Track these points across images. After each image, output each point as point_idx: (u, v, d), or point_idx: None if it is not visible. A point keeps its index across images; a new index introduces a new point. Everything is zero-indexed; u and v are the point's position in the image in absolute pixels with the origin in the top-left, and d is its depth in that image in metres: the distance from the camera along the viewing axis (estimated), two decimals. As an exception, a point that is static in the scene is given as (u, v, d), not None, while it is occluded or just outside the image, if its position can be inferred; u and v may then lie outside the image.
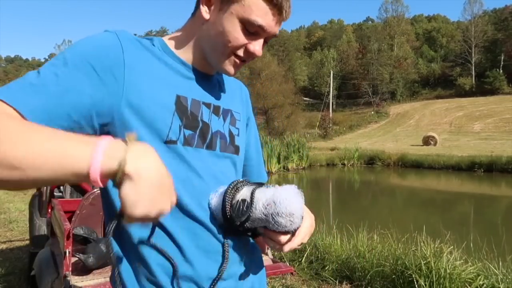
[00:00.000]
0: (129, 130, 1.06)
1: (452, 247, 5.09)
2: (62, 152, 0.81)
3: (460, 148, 36.68)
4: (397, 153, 31.68)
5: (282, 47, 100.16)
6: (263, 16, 1.13)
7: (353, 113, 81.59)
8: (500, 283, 4.46)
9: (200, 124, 1.20)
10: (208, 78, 1.29)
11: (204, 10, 1.18)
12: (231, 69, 1.22)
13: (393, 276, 5.00)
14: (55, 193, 4.78)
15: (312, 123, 65.83)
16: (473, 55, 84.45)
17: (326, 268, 5.77)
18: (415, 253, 5.14)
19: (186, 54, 1.24)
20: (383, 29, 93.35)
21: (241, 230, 1.16)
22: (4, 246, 7.18)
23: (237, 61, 1.21)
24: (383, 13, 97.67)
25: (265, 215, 1.09)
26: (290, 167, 27.54)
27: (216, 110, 1.27)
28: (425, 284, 4.54)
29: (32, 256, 4.56)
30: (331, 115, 68.98)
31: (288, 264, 3.83)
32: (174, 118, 1.14)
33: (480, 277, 4.58)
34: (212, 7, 1.17)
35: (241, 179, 1.21)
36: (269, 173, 25.25)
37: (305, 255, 6.11)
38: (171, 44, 1.25)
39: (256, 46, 1.18)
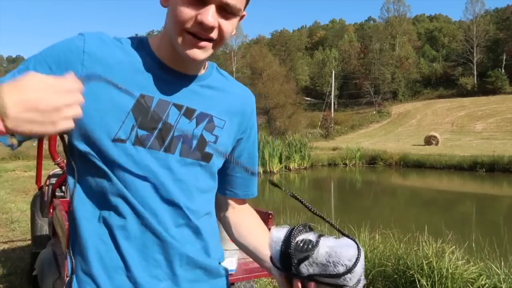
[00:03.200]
0: (81, 129, 1.11)
1: (454, 247, 5.08)
2: None
3: (462, 147, 36.67)
4: (399, 153, 31.67)
5: (284, 47, 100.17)
6: None
7: (354, 113, 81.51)
8: (502, 283, 4.45)
9: (160, 125, 1.17)
10: (188, 79, 1.24)
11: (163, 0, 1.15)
12: (192, 52, 1.12)
13: (395, 276, 4.99)
14: (57, 193, 4.78)
15: (314, 123, 65.79)
16: (475, 54, 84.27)
17: (328, 268, 5.76)
18: (417, 253, 5.14)
19: (163, 51, 1.21)
20: (385, 28, 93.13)
21: (294, 270, 1.09)
22: (6, 246, 7.19)
23: (193, 39, 1.11)
24: (385, 12, 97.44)
25: (327, 261, 1.04)
26: (291, 167, 27.53)
27: (188, 113, 1.22)
28: (427, 284, 4.54)
29: (34, 256, 4.56)
30: (332, 115, 68.96)
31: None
32: (128, 117, 1.14)
33: (482, 277, 4.58)
34: None
35: (306, 223, 1.18)
36: (271, 173, 25.25)
37: (307, 255, 6.10)
38: (153, 43, 1.24)
39: (204, 15, 1.06)
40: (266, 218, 3.76)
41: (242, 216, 1.48)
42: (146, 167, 1.16)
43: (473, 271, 4.69)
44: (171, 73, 1.22)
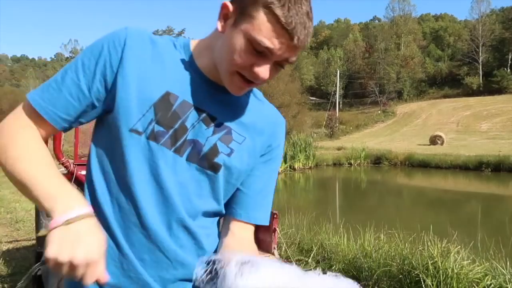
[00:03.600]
0: (108, 110, 1.22)
1: (459, 247, 5.07)
2: (38, 190, 1.09)
3: (467, 147, 36.54)
4: (404, 153, 31.59)
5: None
6: (271, 38, 1.08)
7: (359, 112, 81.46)
8: (508, 283, 4.43)
9: (176, 125, 1.20)
10: (219, 89, 1.25)
11: (220, 24, 1.17)
12: (234, 89, 1.20)
13: (400, 276, 4.98)
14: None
15: (319, 123, 65.74)
16: (480, 54, 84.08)
17: (333, 267, 5.76)
18: (422, 253, 5.13)
19: (202, 60, 1.26)
20: (390, 28, 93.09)
21: None
22: (10, 245, 7.19)
23: (242, 81, 1.17)
24: (390, 12, 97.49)
25: None
26: (296, 167, 27.50)
27: (207, 120, 1.24)
28: (432, 284, 4.52)
29: (39, 255, 4.56)
30: (337, 115, 68.87)
31: (294, 264, 3.80)
32: (149, 111, 1.18)
33: (487, 277, 4.56)
34: (228, 21, 1.15)
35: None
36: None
37: (311, 255, 6.10)
38: (193, 47, 1.29)
39: (261, 68, 1.13)
40: (271, 218, 3.76)
41: (238, 249, 1.28)
42: (154, 163, 1.19)
43: (479, 271, 4.67)
44: (203, 79, 1.25)
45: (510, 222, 10.49)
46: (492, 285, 4.48)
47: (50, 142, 5.14)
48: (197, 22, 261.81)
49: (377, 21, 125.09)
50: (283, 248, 6.27)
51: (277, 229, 3.80)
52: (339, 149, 38.03)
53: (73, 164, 4.79)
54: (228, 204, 1.36)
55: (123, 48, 1.18)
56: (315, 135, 48.97)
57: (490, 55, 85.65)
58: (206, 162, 1.24)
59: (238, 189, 1.35)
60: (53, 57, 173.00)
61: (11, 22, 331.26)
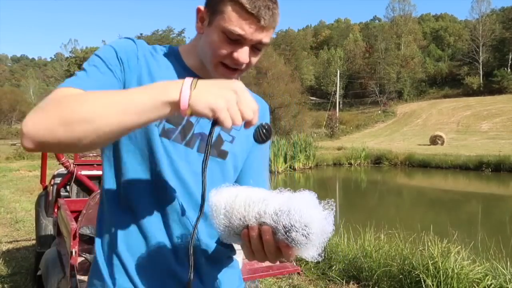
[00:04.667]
0: None
1: (459, 247, 5.07)
2: (153, 90, 1.03)
3: (467, 147, 36.55)
4: (404, 153, 31.59)
5: (289, 47, 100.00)
6: (241, 26, 1.21)
7: (360, 112, 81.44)
8: (508, 283, 4.43)
9: (184, 122, 1.32)
10: None
11: (199, 26, 1.33)
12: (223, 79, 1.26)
13: (400, 276, 4.99)
14: (61, 193, 4.79)
15: (319, 123, 65.73)
16: (480, 54, 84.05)
17: (333, 268, 5.76)
18: (422, 253, 5.13)
19: (191, 61, 1.39)
20: (390, 28, 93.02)
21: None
22: (10, 246, 7.20)
23: (227, 70, 1.30)
24: (390, 12, 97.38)
25: (275, 223, 1.00)
26: (296, 167, 27.50)
27: None
28: (433, 284, 4.53)
29: (39, 256, 4.57)
30: (337, 115, 68.84)
31: (294, 264, 3.82)
32: None
33: (488, 277, 4.56)
34: (204, 23, 1.30)
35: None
36: (276, 172, 25.25)
37: (311, 255, 6.09)
38: (182, 52, 1.42)
39: (240, 54, 1.25)
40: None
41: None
42: (169, 158, 1.30)
43: (479, 271, 4.68)
44: (195, 77, 1.27)
45: (511, 222, 10.51)
46: (493, 285, 4.48)
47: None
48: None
49: (377, 21, 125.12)
50: (283, 248, 6.26)
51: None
52: (339, 149, 38.02)
53: (73, 164, 4.80)
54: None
55: (137, 54, 1.31)
56: (315, 135, 48.92)
57: (491, 55, 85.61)
58: (215, 151, 1.37)
59: (241, 171, 1.50)
60: (53, 57, 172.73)
61: (11, 22, 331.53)
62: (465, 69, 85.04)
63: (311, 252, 1.01)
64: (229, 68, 1.29)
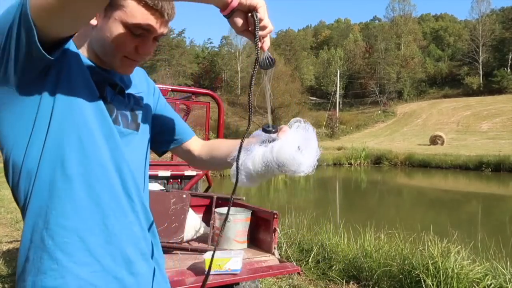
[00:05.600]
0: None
1: (459, 246, 5.07)
2: None
3: (467, 147, 36.57)
4: (404, 153, 31.63)
5: (289, 47, 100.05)
6: (146, 20, 1.24)
7: (360, 112, 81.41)
8: (508, 283, 4.43)
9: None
10: (111, 73, 1.38)
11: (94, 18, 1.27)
12: (126, 70, 1.37)
13: (400, 276, 4.98)
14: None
15: (319, 123, 65.67)
16: (480, 54, 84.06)
17: (333, 268, 5.76)
18: (422, 253, 5.13)
19: (88, 54, 1.35)
20: (390, 28, 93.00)
21: None
22: (10, 245, 7.20)
23: (130, 62, 1.34)
24: (390, 12, 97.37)
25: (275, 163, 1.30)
26: (297, 167, 27.46)
27: (120, 92, 1.40)
28: (433, 284, 4.53)
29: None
30: (338, 115, 68.84)
31: (294, 264, 3.82)
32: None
33: (488, 277, 4.56)
34: (98, 14, 1.25)
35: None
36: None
37: (312, 255, 6.10)
38: (81, 51, 1.35)
39: (145, 48, 1.31)
40: (271, 218, 3.77)
41: (209, 143, 1.70)
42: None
43: (479, 271, 4.67)
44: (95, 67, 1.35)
45: (510, 222, 10.51)
46: (493, 285, 4.48)
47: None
48: (197, 22, 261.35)
49: (377, 21, 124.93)
50: (283, 248, 6.27)
51: (277, 229, 3.81)
52: (339, 149, 38.05)
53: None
54: (172, 140, 1.65)
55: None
56: (315, 135, 48.91)
57: (490, 55, 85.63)
58: (134, 125, 1.43)
59: (162, 127, 1.61)
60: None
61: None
62: (465, 69, 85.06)
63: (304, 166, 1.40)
64: (131, 60, 1.33)
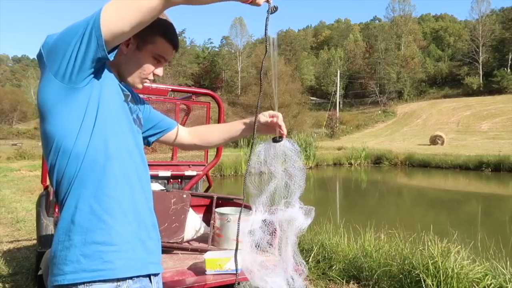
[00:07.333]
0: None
1: (459, 246, 5.07)
2: None
3: (467, 147, 36.58)
4: (404, 153, 31.60)
5: (289, 47, 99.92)
6: (168, 52, 1.75)
7: (360, 112, 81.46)
8: (508, 283, 4.43)
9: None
10: (126, 86, 1.80)
11: (124, 48, 1.66)
12: (140, 86, 1.78)
13: (400, 276, 4.99)
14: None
15: (319, 123, 65.78)
16: (480, 54, 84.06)
17: (333, 267, 5.76)
18: (422, 253, 5.13)
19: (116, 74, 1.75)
20: (390, 28, 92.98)
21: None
22: (11, 245, 7.21)
23: (145, 81, 1.78)
24: (390, 12, 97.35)
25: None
26: (297, 167, 27.43)
27: (132, 100, 1.80)
28: (433, 284, 4.53)
29: (39, 255, 4.57)
30: (338, 115, 68.90)
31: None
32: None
33: (488, 276, 4.56)
34: (130, 46, 1.67)
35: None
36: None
37: (312, 255, 6.10)
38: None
39: (159, 71, 1.78)
40: (271, 218, 3.76)
41: (197, 129, 2.22)
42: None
43: (479, 271, 4.67)
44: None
45: (510, 222, 10.51)
46: (492, 285, 4.48)
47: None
48: (197, 22, 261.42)
49: (377, 21, 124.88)
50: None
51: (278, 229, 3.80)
52: (339, 149, 38.05)
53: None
54: (164, 130, 2.08)
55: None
56: (315, 135, 48.87)
57: (490, 55, 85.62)
58: (141, 126, 1.89)
59: (152, 124, 2.03)
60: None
61: (12, 22, 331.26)
62: (465, 69, 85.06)
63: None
64: (148, 79, 1.77)
